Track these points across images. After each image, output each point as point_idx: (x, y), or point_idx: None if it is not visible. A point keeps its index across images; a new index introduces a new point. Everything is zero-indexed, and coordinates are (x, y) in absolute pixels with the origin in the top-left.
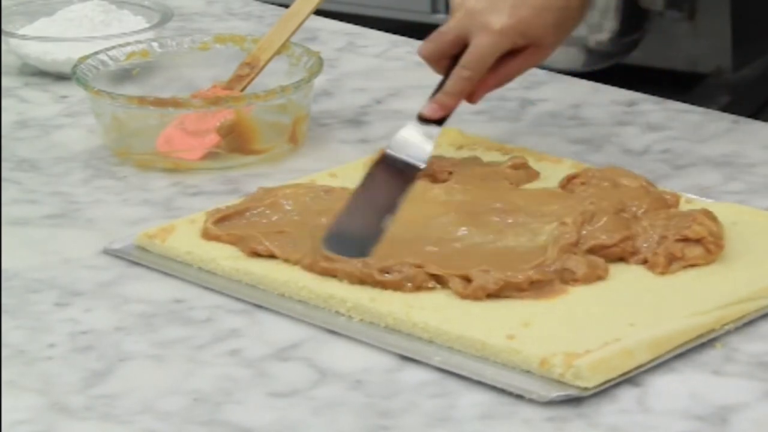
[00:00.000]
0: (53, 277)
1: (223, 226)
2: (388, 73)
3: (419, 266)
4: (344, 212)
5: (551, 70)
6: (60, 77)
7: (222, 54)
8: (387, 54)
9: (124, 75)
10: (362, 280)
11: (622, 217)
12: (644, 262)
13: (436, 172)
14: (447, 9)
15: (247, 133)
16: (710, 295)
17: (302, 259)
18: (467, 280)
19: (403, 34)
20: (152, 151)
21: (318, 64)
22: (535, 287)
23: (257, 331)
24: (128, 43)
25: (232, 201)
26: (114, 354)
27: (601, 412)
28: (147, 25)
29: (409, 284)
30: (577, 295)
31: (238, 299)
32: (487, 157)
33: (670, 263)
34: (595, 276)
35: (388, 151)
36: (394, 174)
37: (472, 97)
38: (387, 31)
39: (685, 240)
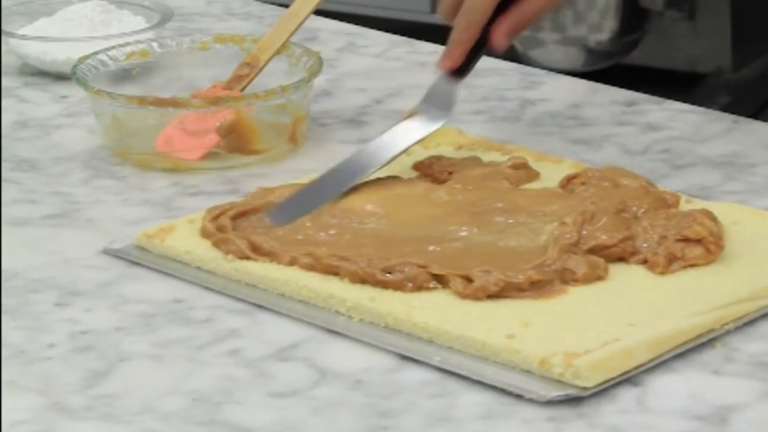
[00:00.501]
0: (53, 277)
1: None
2: (387, 73)
3: (422, 266)
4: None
5: (551, 70)
6: (60, 77)
7: (222, 54)
8: (387, 54)
9: (124, 75)
10: (364, 279)
11: (622, 217)
12: (644, 262)
13: (436, 172)
14: None
15: (247, 133)
16: (710, 295)
17: (300, 258)
18: (468, 280)
19: (403, 34)
20: (152, 151)
21: (318, 64)
22: (536, 287)
23: (257, 331)
24: (128, 43)
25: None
26: (114, 354)
27: (600, 412)
28: (147, 25)
29: (410, 284)
30: (577, 295)
31: (238, 299)
32: (487, 157)
33: (670, 263)
34: (595, 276)
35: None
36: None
37: (492, 42)
38: (387, 31)
39: (685, 240)
